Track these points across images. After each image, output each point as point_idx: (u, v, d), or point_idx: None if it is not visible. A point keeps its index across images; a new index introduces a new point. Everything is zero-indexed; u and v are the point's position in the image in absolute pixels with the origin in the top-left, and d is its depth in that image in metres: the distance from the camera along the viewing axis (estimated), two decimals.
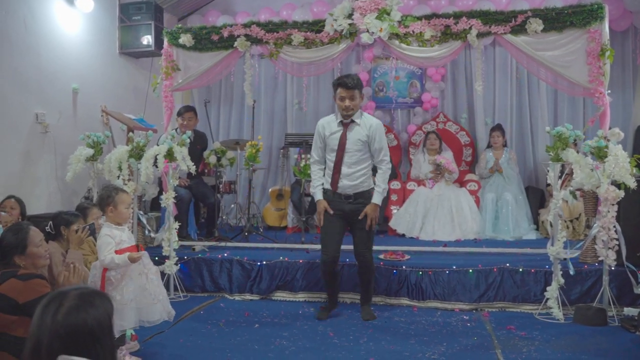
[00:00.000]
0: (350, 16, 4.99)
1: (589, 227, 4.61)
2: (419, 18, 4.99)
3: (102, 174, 4.92)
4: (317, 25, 5.14)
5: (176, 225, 4.66)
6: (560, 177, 4.24)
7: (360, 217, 4.00)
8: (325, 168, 4.18)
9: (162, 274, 3.71)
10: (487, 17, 4.85)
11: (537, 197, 6.60)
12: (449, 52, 5.02)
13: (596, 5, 4.66)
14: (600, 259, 4.08)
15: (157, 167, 4.59)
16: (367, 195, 4.07)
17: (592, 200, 4.59)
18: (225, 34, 5.25)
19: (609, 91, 4.74)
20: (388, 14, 4.91)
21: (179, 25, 5.54)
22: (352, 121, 4.05)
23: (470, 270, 4.53)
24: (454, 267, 4.57)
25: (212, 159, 6.23)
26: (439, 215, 6.07)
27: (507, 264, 4.54)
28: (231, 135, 7.65)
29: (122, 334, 3.16)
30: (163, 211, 4.94)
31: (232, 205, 7.15)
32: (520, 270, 4.49)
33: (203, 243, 5.46)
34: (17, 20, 5.06)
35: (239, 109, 7.85)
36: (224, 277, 4.88)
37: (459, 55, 6.05)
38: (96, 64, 6.18)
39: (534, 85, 7.11)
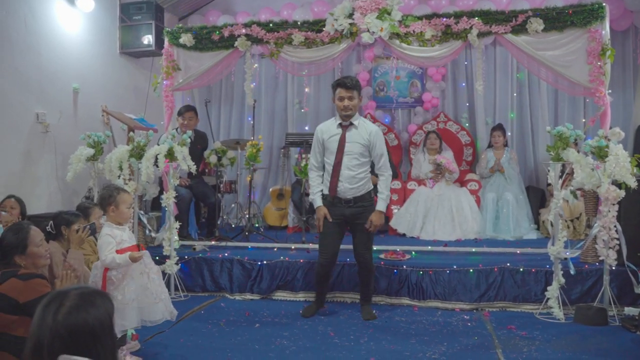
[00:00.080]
0: (350, 16, 5.00)
1: (589, 226, 4.60)
2: (420, 18, 4.99)
3: (102, 173, 4.93)
4: (317, 25, 5.14)
5: (177, 224, 4.66)
6: (560, 177, 4.23)
7: (367, 227, 4.02)
8: (323, 174, 4.19)
9: (163, 273, 3.70)
10: (488, 16, 4.86)
11: (538, 196, 6.60)
12: (450, 52, 5.02)
13: (597, 5, 4.66)
14: (600, 258, 4.08)
15: (157, 166, 4.59)
16: (366, 198, 4.08)
17: (592, 200, 4.59)
18: (226, 33, 5.25)
19: (610, 91, 4.74)
20: (389, 14, 4.92)
21: (180, 25, 5.54)
22: (351, 124, 4.06)
23: (471, 270, 4.53)
24: (455, 267, 4.57)
25: (213, 159, 6.23)
26: (439, 215, 6.07)
27: (508, 264, 4.54)
28: (232, 135, 7.66)
29: (123, 334, 3.16)
30: (164, 211, 4.95)
31: (233, 205, 7.15)
32: (521, 270, 4.49)
33: (204, 243, 5.47)
34: (17, 20, 5.06)
35: (239, 108, 7.85)
36: (224, 277, 4.89)
37: (459, 55, 6.04)
38: (97, 63, 6.18)
39: (535, 85, 7.11)
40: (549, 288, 4.16)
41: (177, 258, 4.66)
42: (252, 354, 3.41)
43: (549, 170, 4.34)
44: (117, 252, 3.16)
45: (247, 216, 6.27)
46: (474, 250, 5.20)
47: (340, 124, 4.09)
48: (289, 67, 5.60)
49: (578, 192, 5.19)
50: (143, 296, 3.21)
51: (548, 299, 4.14)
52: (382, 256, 4.82)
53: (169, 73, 5.40)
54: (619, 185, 3.94)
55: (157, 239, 5.00)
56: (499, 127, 6.68)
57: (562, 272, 4.13)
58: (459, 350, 3.46)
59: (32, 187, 5.22)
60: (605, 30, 4.68)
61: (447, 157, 6.46)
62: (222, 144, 6.52)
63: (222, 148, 6.39)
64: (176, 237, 4.68)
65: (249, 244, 5.50)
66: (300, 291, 4.74)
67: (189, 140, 4.77)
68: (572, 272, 4.11)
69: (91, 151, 5.00)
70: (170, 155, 4.52)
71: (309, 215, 6.06)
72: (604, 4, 4.67)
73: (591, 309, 4.02)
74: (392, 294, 4.59)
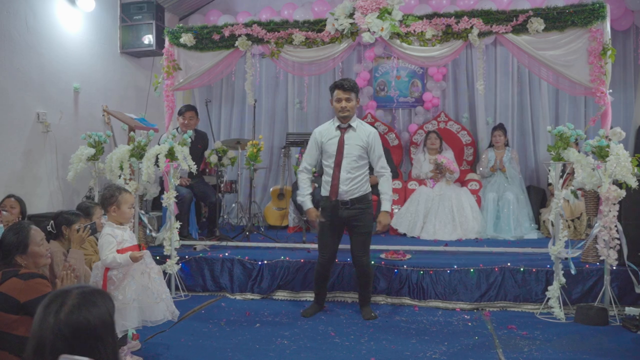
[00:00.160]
0: (351, 15, 4.99)
1: (590, 226, 4.60)
2: (420, 17, 4.99)
3: (103, 173, 4.93)
4: (318, 25, 5.13)
5: (177, 224, 4.66)
6: (561, 177, 4.23)
7: (378, 229, 4.08)
8: (322, 176, 4.19)
9: (164, 273, 3.69)
10: (489, 16, 4.85)
11: (539, 196, 6.60)
12: (451, 52, 5.02)
13: (597, 5, 4.65)
14: (601, 258, 4.08)
15: (158, 166, 4.60)
16: (364, 200, 4.08)
17: (593, 199, 4.59)
18: (227, 33, 5.25)
19: (611, 90, 4.73)
20: (389, 14, 4.91)
21: (180, 25, 5.54)
22: (350, 126, 4.06)
23: (472, 270, 4.53)
24: (455, 267, 4.57)
25: (214, 159, 6.24)
26: (440, 215, 6.07)
27: (509, 264, 4.54)
28: (232, 135, 7.66)
29: (124, 334, 3.16)
30: (164, 210, 4.95)
31: (233, 205, 7.16)
32: (522, 269, 4.49)
33: (204, 242, 5.47)
34: (18, 20, 5.07)
35: (240, 108, 7.86)
36: (225, 277, 4.89)
37: (460, 54, 6.05)
38: (97, 63, 6.19)
39: (535, 85, 7.11)
40: (549, 288, 4.16)
41: (178, 258, 4.67)
42: (253, 353, 3.41)
43: (549, 170, 4.34)
44: (118, 251, 3.15)
45: (248, 216, 6.27)
46: (474, 250, 5.20)
47: (338, 127, 4.09)
48: (289, 67, 5.59)
49: (579, 192, 5.19)
50: (144, 296, 3.20)
51: (549, 298, 4.14)
52: (382, 256, 4.82)
53: (169, 73, 5.40)
54: (619, 185, 3.95)
55: (157, 238, 5.01)
56: (500, 127, 6.69)
57: (562, 272, 4.13)
58: (459, 350, 3.46)
59: (33, 187, 5.23)
60: (606, 29, 4.67)
61: (447, 156, 6.46)
62: (222, 143, 6.52)
63: (223, 148, 6.39)
64: (177, 237, 4.69)
65: (250, 244, 5.50)
66: (300, 291, 4.74)
67: (189, 140, 4.77)
68: (572, 272, 4.11)
69: (92, 151, 5.00)
70: (171, 155, 4.52)
71: None
72: (604, 4, 4.66)
73: (592, 308, 4.01)
74: (392, 293, 4.59)
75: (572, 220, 5.81)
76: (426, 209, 6.15)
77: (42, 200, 5.31)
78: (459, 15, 4.90)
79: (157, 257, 4.48)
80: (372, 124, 5.90)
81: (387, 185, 4.10)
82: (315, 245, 4.54)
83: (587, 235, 4.44)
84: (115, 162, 4.68)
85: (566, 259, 4.14)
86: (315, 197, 4.33)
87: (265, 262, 4.84)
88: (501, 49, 6.98)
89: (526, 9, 4.87)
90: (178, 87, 5.53)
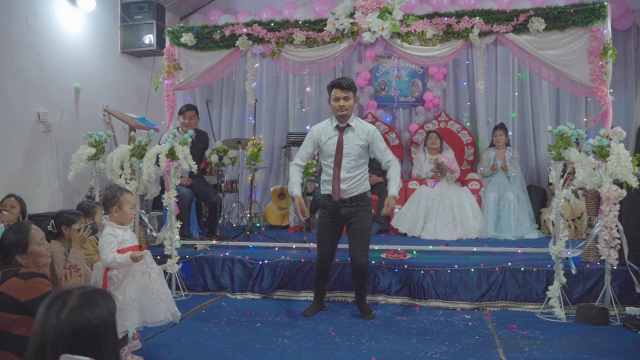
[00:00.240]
0: (352, 15, 5.00)
1: (591, 226, 4.60)
2: (421, 17, 4.99)
3: (104, 173, 4.93)
4: (318, 24, 5.14)
5: (178, 224, 4.66)
6: (562, 176, 4.23)
7: (384, 212, 4.02)
8: (322, 174, 4.19)
9: (164, 272, 3.69)
10: (489, 16, 4.86)
11: (539, 196, 6.60)
12: (451, 51, 5.02)
13: (598, 4, 4.65)
14: (602, 258, 4.08)
15: (159, 166, 4.60)
16: (363, 198, 4.07)
17: (594, 199, 4.58)
18: (227, 33, 5.25)
19: (611, 90, 4.74)
20: (390, 13, 4.92)
21: (181, 25, 5.54)
22: (348, 125, 4.05)
23: (472, 270, 4.53)
24: (456, 266, 4.57)
25: (214, 158, 6.24)
26: (440, 215, 6.07)
27: (509, 263, 4.54)
28: (233, 135, 7.66)
29: (125, 335, 3.15)
30: (165, 210, 4.95)
31: (234, 204, 7.16)
32: (522, 269, 4.48)
33: (205, 242, 5.47)
34: (19, 19, 5.07)
35: (240, 108, 7.86)
36: (225, 276, 4.89)
37: (460, 54, 6.04)
38: (98, 63, 6.19)
39: (536, 84, 7.11)
40: (550, 288, 4.16)
41: (179, 257, 4.67)
42: (253, 353, 3.41)
43: (550, 170, 4.34)
44: (119, 251, 3.15)
45: (248, 215, 6.27)
46: (475, 249, 5.20)
47: (337, 127, 4.08)
48: (290, 66, 5.60)
49: (579, 192, 5.19)
50: (144, 296, 3.18)
51: (549, 298, 4.14)
52: (383, 255, 4.82)
53: (170, 72, 5.41)
54: (620, 184, 3.94)
55: (158, 238, 5.01)
56: (501, 127, 6.69)
57: (563, 271, 4.13)
58: (460, 350, 3.46)
59: (34, 186, 5.23)
60: (606, 29, 4.67)
61: (448, 156, 6.46)
62: (223, 143, 6.52)
63: (224, 147, 6.40)
64: (177, 237, 4.69)
65: (250, 244, 5.51)
66: (301, 290, 4.74)
67: (190, 139, 4.77)
68: (573, 271, 4.11)
69: (92, 150, 5.00)
70: (172, 154, 4.53)
71: (310, 214, 6.06)
72: (605, 3, 4.66)
73: (592, 308, 4.01)
74: (393, 293, 4.59)
75: (573, 220, 5.80)
76: (427, 208, 6.15)
77: (42, 200, 5.31)
78: (459, 15, 4.90)
79: (158, 257, 4.49)
80: (372, 124, 5.89)
81: (395, 172, 4.06)
82: (316, 245, 4.54)
83: (588, 235, 4.44)
84: (116, 161, 4.68)
85: (567, 258, 4.14)
86: (316, 196, 4.33)
87: (266, 261, 4.84)
88: (502, 48, 6.98)
89: (527, 9, 4.87)
90: (178, 86, 5.53)
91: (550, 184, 6.14)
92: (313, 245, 5.19)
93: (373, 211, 4.30)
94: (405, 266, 4.63)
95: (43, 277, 2.64)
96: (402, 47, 5.02)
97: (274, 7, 7.24)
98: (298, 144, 6.72)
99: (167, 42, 5.47)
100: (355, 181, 4.03)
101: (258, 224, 6.81)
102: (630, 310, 4.01)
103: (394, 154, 4.20)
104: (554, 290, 4.10)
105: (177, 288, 4.70)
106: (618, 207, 3.96)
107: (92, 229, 3.32)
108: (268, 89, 7.76)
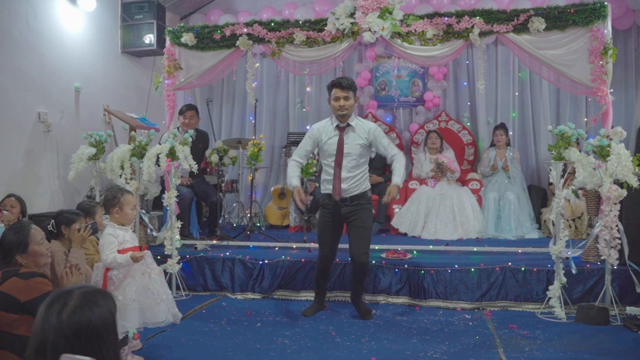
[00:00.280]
0: (352, 15, 5.00)
1: (591, 226, 4.60)
2: (421, 17, 4.99)
3: (104, 173, 4.93)
4: (319, 24, 5.14)
5: (178, 224, 4.67)
6: (562, 176, 4.23)
7: (385, 200, 3.94)
8: (322, 173, 4.19)
9: (164, 272, 3.69)
10: (490, 15, 4.86)
11: (540, 196, 6.60)
12: (451, 51, 5.02)
13: (599, 4, 4.65)
14: (602, 258, 4.07)
15: (159, 166, 4.60)
16: (363, 197, 4.07)
17: (594, 199, 4.58)
18: (227, 32, 5.25)
19: (612, 90, 4.74)
20: (390, 13, 4.92)
21: (181, 24, 5.55)
22: (348, 124, 4.05)
23: (473, 269, 4.53)
24: (456, 266, 4.57)
25: (214, 158, 6.24)
26: (441, 214, 6.07)
27: (509, 263, 4.54)
28: (233, 134, 7.66)
29: (125, 335, 3.15)
30: (165, 210, 4.95)
31: (234, 204, 7.16)
32: (523, 269, 4.48)
33: (205, 242, 5.47)
34: (19, 19, 5.07)
35: (241, 107, 7.86)
36: (226, 276, 4.89)
37: (461, 54, 6.04)
38: (98, 63, 6.19)
39: (536, 84, 7.11)
40: (550, 287, 4.16)
41: (179, 257, 4.67)
42: (254, 353, 3.41)
43: (550, 170, 4.34)
44: (119, 252, 3.15)
45: (249, 215, 6.27)
46: (475, 249, 5.20)
47: (337, 126, 4.07)
48: (290, 66, 5.60)
49: (580, 192, 5.18)
50: (144, 297, 3.18)
51: (550, 298, 4.14)
52: (383, 255, 4.82)
53: (170, 72, 5.41)
54: (620, 184, 3.94)
55: (158, 238, 5.01)
56: (502, 126, 6.69)
57: (563, 271, 4.13)
58: (460, 350, 3.46)
59: (34, 186, 5.23)
60: (607, 29, 4.67)
61: (448, 156, 6.46)
62: (223, 143, 6.52)
63: (224, 147, 6.40)
64: (178, 237, 4.69)
65: (251, 243, 5.51)
66: (301, 290, 4.74)
67: (190, 139, 4.77)
68: (573, 271, 4.11)
69: (93, 150, 5.00)
70: (172, 154, 4.53)
71: (310, 214, 6.06)
72: (605, 3, 4.66)
73: (593, 308, 4.01)
74: (393, 293, 4.59)
75: (573, 220, 5.80)
76: (427, 208, 6.15)
77: (43, 200, 5.31)
78: (459, 15, 4.90)
79: (158, 257, 4.49)
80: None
81: (400, 163, 4.03)
82: (317, 245, 4.54)
83: (588, 235, 4.44)
84: (116, 161, 4.68)
85: (567, 258, 4.14)
86: (316, 196, 4.33)
87: (266, 261, 4.84)
88: (502, 48, 6.98)
89: (527, 9, 4.88)
90: (179, 86, 5.54)
91: (551, 183, 6.16)
92: (313, 245, 5.19)
93: (373, 211, 4.30)
94: (406, 266, 4.63)
95: (43, 277, 2.64)
96: (403, 47, 5.02)
97: (274, 7, 7.24)
98: (298, 144, 6.67)
99: (168, 42, 5.47)
100: (356, 180, 4.03)
101: (258, 224, 6.81)
102: (631, 310, 4.01)
103: None
104: (554, 290, 4.10)
105: (178, 288, 4.70)
106: (618, 207, 3.96)
107: (92, 228, 3.32)
108: (268, 88, 7.76)
